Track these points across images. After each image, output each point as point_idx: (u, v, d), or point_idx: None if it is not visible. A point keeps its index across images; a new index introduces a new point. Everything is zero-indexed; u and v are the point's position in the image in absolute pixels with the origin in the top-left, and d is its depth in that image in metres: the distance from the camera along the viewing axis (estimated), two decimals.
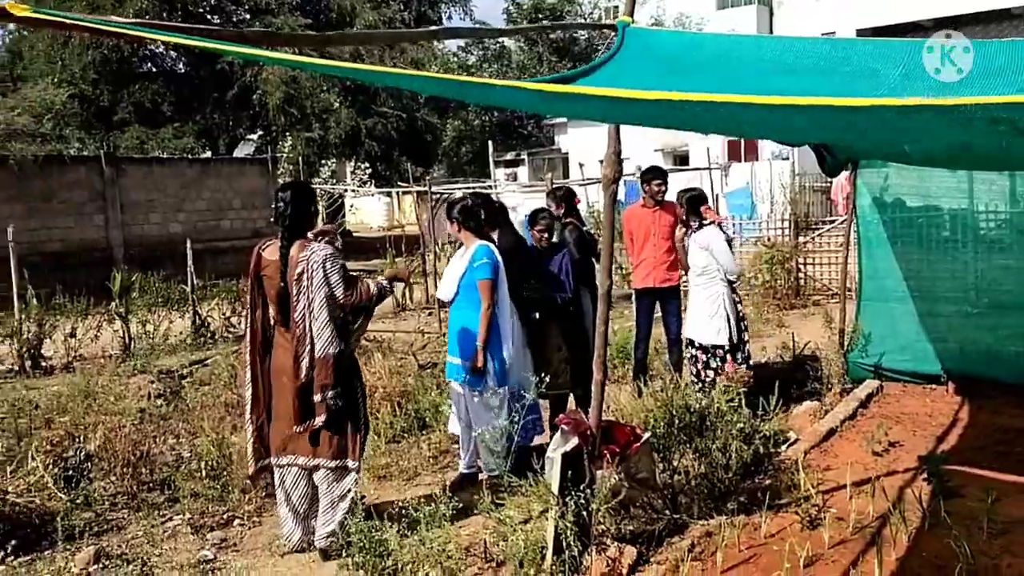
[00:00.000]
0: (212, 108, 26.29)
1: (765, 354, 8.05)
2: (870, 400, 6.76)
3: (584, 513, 3.55)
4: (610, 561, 3.64)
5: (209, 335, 11.73)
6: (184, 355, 10.59)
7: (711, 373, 6.19)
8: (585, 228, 6.61)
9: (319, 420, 4.41)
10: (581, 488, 3.55)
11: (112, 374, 8.43)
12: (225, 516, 4.96)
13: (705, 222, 6.26)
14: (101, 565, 4.29)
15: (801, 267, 13.83)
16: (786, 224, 14.86)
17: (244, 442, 4.65)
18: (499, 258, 5.21)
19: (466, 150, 37.35)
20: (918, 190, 7.33)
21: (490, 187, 23.10)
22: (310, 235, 4.46)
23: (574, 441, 3.65)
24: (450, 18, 32.80)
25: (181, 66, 27.44)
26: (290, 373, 4.40)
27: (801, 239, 14.71)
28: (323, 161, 23.85)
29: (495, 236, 5.67)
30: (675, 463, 4.27)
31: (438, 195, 23.89)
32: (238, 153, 27.46)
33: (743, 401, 5.11)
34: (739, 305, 6.36)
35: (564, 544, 3.44)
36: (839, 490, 4.79)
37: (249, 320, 4.57)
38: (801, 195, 22.36)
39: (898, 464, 5.32)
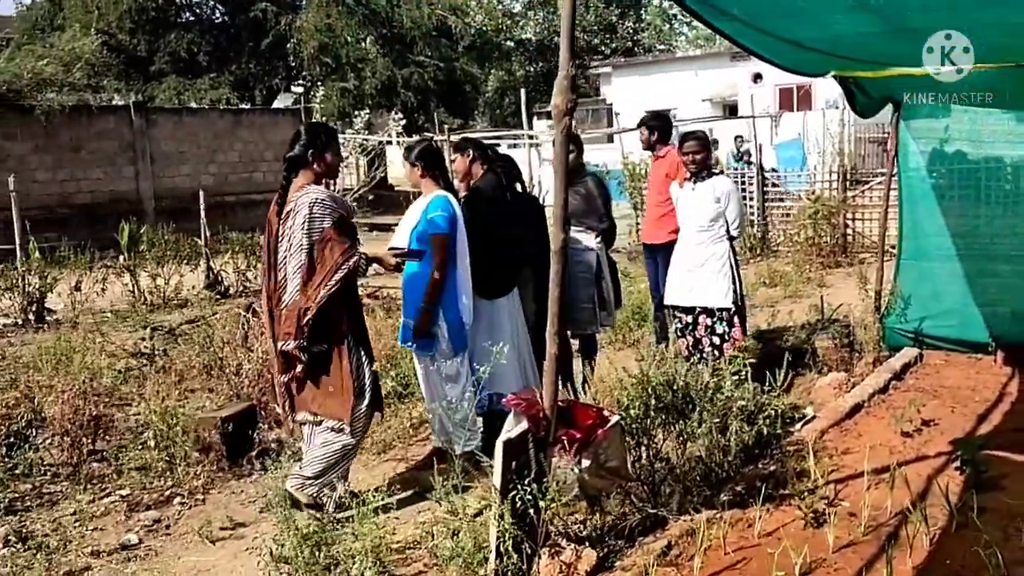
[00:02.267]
0: (248, 58, 25.87)
1: (790, 318, 7.35)
2: (906, 371, 6.05)
3: (532, 511, 2.99)
4: (564, 567, 3.09)
5: (223, 290, 11.42)
6: (194, 310, 10.29)
7: (716, 340, 5.54)
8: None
9: (298, 370, 4.12)
10: (528, 482, 2.99)
11: (94, 330, 8.08)
12: (167, 492, 4.53)
13: (716, 171, 5.56)
14: (7, 550, 3.89)
15: (849, 223, 12.97)
16: (834, 177, 13.95)
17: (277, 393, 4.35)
18: (458, 210, 4.67)
19: (509, 101, 36.46)
20: (970, 136, 6.51)
21: (531, 138, 22.40)
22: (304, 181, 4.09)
23: (523, 426, 3.08)
24: None
25: (217, 15, 27.07)
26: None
27: (850, 193, 13.82)
28: (356, 112, 23.23)
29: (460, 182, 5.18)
30: (656, 448, 3.67)
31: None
32: (278, 105, 27.09)
33: (750, 374, 4.47)
34: (739, 266, 5.67)
35: (503, 549, 2.89)
36: (856, 478, 4.15)
37: (263, 268, 4.32)
38: (856, 146, 21.24)
39: (930, 447, 4.65)
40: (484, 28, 34.15)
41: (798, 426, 4.84)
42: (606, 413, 3.35)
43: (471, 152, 5.28)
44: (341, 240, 4.03)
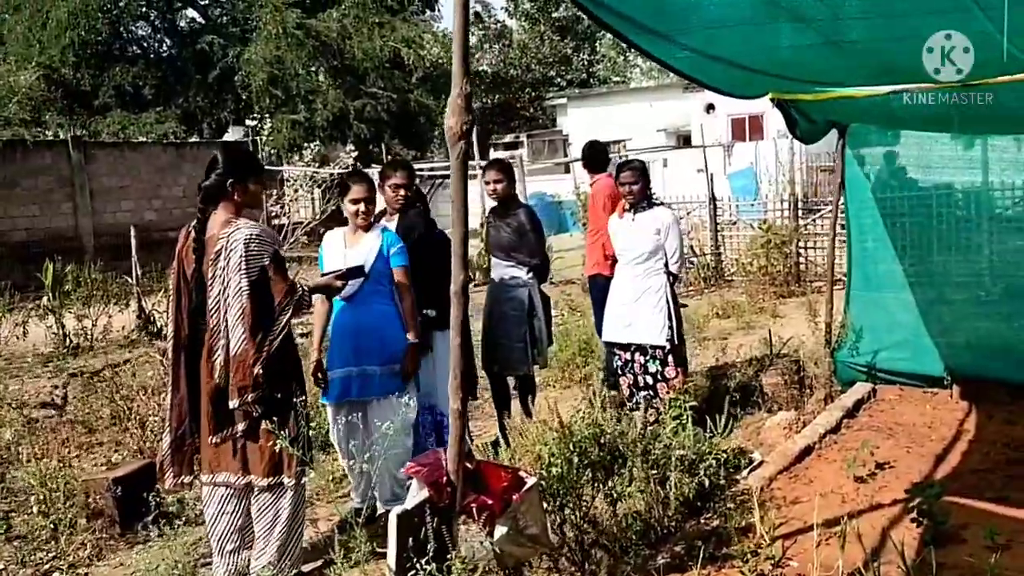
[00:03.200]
0: (195, 91, 25.41)
1: (739, 353, 7.06)
2: (859, 408, 5.76)
3: None
4: None
5: (156, 330, 10.87)
6: (122, 353, 9.74)
7: (649, 379, 5.20)
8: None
9: (239, 428, 3.63)
10: (428, 559, 2.60)
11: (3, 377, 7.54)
12: (46, 567, 4.04)
13: (656, 201, 5.26)
14: None
15: (802, 251, 12.82)
16: (786, 205, 13.83)
17: (161, 453, 3.81)
18: None
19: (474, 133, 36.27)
20: (919, 161, 6.32)
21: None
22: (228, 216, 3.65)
23: (423, 494, 2.69)
24: None
25: (164, 48, 26.59)
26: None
27: (802, 221, 13.70)
28: (307, 144, 22.84)
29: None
30: (584, 509, 3.30)
31: (433, 177, 23.02)
32: (229, 138, 26.59)
33: (689, 418, 4.14)
34: (678, 302, 5.35)
35: None
36: (806, 532, 3.82)
37: (172, 310, 3.80)
38: (808, 174, 21.28)
39: (884, 494, 4.33)
40: (440, 60, 34.05)
41: (744, 473, 4.51)
42: (522, 474, 2.97)
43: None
44: (282, 278, 3.63)
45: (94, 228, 18.67)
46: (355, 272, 4.03)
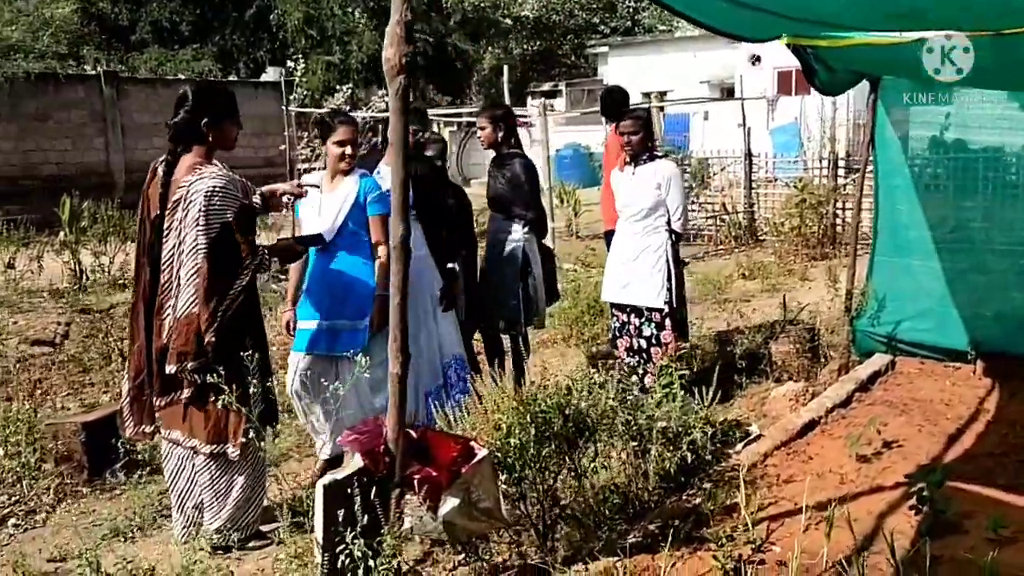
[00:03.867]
0: (232, 29, 25.18)
1: (753, 317, 6.74)
2: (875, 381, 5.44)
3: (362, 571, 2.40)
4: None
5: None
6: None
7: (643, 343, 4.93)
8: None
9: (184, 394, 3.43)
10: (358, 534, 2.40)
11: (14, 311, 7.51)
12: (4, 512, 3.94)
13: (658, 154, 4.93)
14: None
15: (839, 212, 12.32)
16: (825, 164, 13.28)
17: (120, 401, 3.67)
18: None
19: (507, 79, 35.60)
20: (963, 120, 5.86)
21: (524, 117, 21.70)
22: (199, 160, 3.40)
23: (356, 463, 2.49)
24: None
25: None
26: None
27: (843, 181, 13.17)
28: (339, 87, 22.52)
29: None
30: (548, 484, 3.07)
31: (471, 124, 22.59)
32: (267, 79, 26.36)
33: (678, 388, 3.87)
34: (680, 263, 5.03)
35: None
36: (795, 515, 3.56)
37: (135, 254, 3.59)
38: (855, 132, 20.48)
39: (887, 475, 4.04)
40: (480, 4, 33.32)
41: (739, 447, 4.24)
42: (473, 445, 2.75)
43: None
44: (244, 237, 3.35)
45: (126, 164, 18.68)
46: (313, 239, 3.79)
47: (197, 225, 3.26)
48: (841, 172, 13.40)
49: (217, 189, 3.28)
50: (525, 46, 36.08)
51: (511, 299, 4.96)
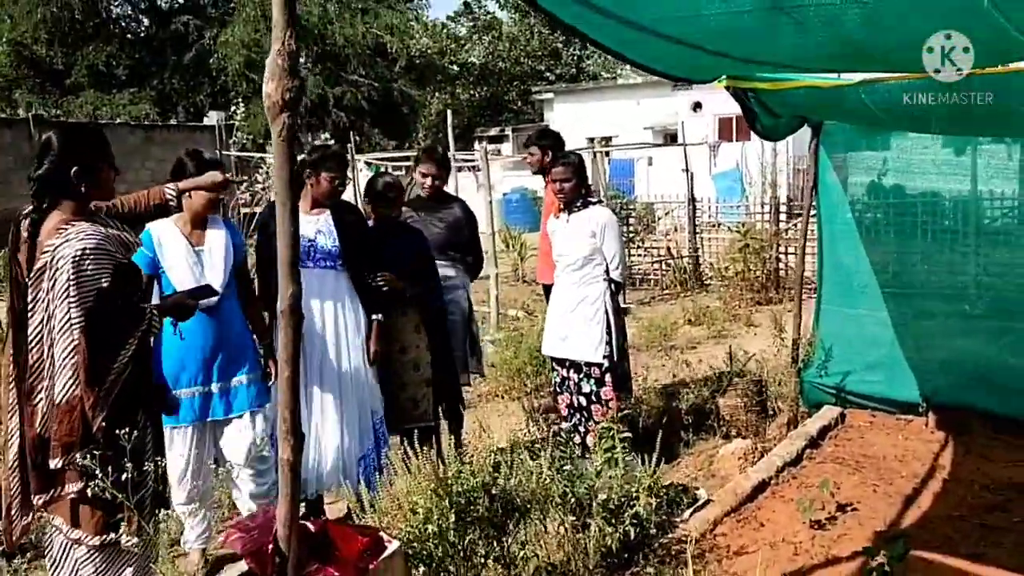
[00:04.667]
0: (170, 73, 24.73)
1: (701, 368, 6.50)
2: (825, 435, 5.21)
3: None
4: None
5: None
6: None
7: (582, 400, 4.64)
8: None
9: (72, 489, 2.93)
10: None
11: None
12: None
13: (592, 200, 4.68)
14: None
15: (782, 257, 12.28)
16: (766, 208, 13.30)
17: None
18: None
19: (454, 125, 35.65)
20: (902, 166, 5.76)
21: (471, 161, 21.56)
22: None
23: (240, 568, 2.12)
24: None
25: (139, 27, 25.89)
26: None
27: (784, 225, 13.18)
28: None
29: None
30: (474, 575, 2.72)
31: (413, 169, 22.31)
32: (208, 123, 25.90)
33: (620, 452, 3.57)
34: (621, 314, 4.77)
35: None
36: None
37: (10, 317, 3.01)
38: (795, 177, 20.73)
39: (844, 544, 3.78)
40: (427, 50, 33.39)
41: (686, 515, 3.94)
42: (383, 536, 2.39)
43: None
44: (126, 301, 2.89)
45: None
46: (205, 291, 3.42)
47: (68, 296, 2.78)
48: (783, 217, 13.44)
49: (87, 251, 2.81)
50: (472, 92, 36.25)
51: (457, 350, 4.69)
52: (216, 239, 3.84)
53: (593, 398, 4.57)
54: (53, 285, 2.78)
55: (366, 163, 27.22)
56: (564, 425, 4.77)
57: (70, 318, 2.78)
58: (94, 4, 24.64)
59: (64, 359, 2.79)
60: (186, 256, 3.71)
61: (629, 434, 3.72)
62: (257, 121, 23.55)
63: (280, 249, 2.00)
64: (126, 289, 2.92)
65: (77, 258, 2.78)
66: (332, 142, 23.06)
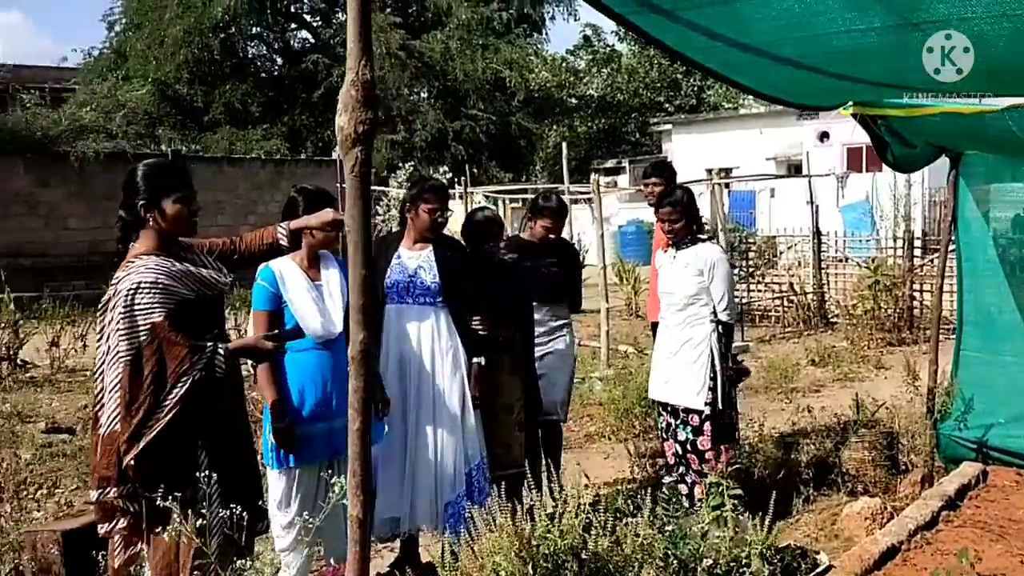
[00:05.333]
0: (300, 110, 25.74)
1: (825, 414, 6.06)
2: (963, 495, 4.71)
3: None
4: None
5: None
6: None
7: (678, 448, 4.35)
8: None
9: (119, 524, 2.94)
10: None
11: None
12: None
13: (702, 236, 4.42)
14: None
15: (916, 294, 11.52)
16: (899, 243, 12.54)
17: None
18: None
19: (570, 157, 35.70)
20: None
21: (586, 193, 21.46)
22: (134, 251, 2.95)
23: None
24: (553, 18, 31.26)
25: (271, 66, 27.14)
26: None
27: (919, 261, 12.41)
28: (402, 164, 22.68)
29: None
30: None
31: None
32: (334, 156, 26.86)
33: (728, 512, 3.29)
34: (729, 359, 4.44)
35: None
36: None
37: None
38: (931, 210, 19.61)
39: None
40: (546, 84, 33.65)
41: None
42: None
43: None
44: (177, 339, 2.83)
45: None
46: (294, 334, 3.36)
47: (118, 329, 2.80)
48: (917, 252, 12.67)
49: (144, 285, 2.81)
50: (590, 124, 36.22)
51: (564, 388, 4.75)
52: (332, 276, 3.80)
53: (688, 447, 4.29)
54: (112, 318, 2.80)
55: (484, 196, 27.61)
56: (669, 477, 4.51)
57: (118, 351, 2.80)
58: (232, 46, 26.01)
59: (111, 391, 2.80)
60: (308, 290, 3.68)
61: (740, 491, 3.43)
62: (379, 155, 24.19)
63: (352, 293, 1.88)
64: (190, 325, 2.89)
65: (131, 291, 2.80)
66: (450, 175, 23.47)
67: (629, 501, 3.55)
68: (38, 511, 4.83)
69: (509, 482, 4.08)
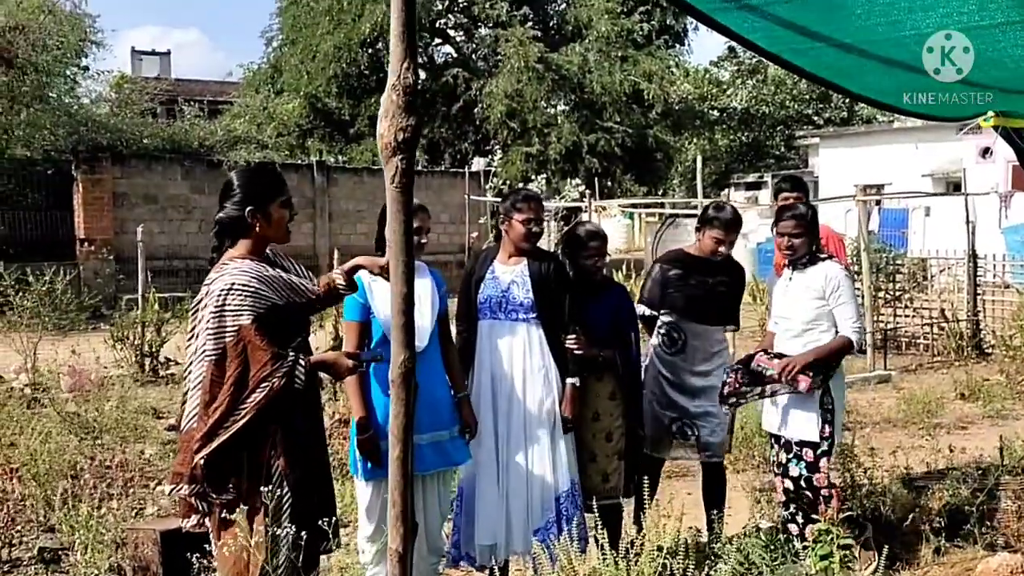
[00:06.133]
0: (440, 122, 26.28)
1: (959, 456, 5.51)
2: None
3: None
4: None
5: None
6: None
7: (789, 484, 4.00)
8: None
9: (185, 524, 3.01)
10: None
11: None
12: None
13: (822, 255, 4.06)
14: None
15: None
16: None
17: None
18: None
19: (709, 171, 34.81)
20: None
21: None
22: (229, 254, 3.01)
23: None
24: (696, 29, 30.59)
25: (417, 80, 27.84)
26: None
27: None
28: (535, 176, 22.75)
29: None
30: None
31: (675, 215, 21.94)
32: (473, 169, 27.32)
33: (837, 559, 2.98)
34: (845, 389, 4.07)
35: None
36: None
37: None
38: None
39: None
40: (687, 96, 33.01)
41: None
42: None
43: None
44: (263, 345, 2.81)
45: (330, 248, 19.64)
46: (373, 355, 3.29)
47: (207, 329, 2.83)
48: None
49: (236, 286, 2.83)
50: (732, 137, 35.27)
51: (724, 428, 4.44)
52: (423, 287, 3.73)
53: (803, 484, 3.96)
54: (202, 317, 2.84)
55: (620, 209, 27.27)
56: (780, 513, 4.18)
57: (205, 349, 2.83)
58: (379, 61, 26.87)
59: (194, 388, 2.86)
60: (386, 296, 3.66)
61: (851, 540, 3.10)
62: (514, 167, 24.39)
63: (393, 312, 1.78)
64: (277, 331, 2.87)
65: (224, 292, 2.83)
66: (583, 188, 23.31)
67: (732, 543, 3.30)
68: (152, 506, 5.00)
69: (604, 514, 3.91)
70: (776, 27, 1.95)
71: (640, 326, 4.38)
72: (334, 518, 3.10)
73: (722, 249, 4.33)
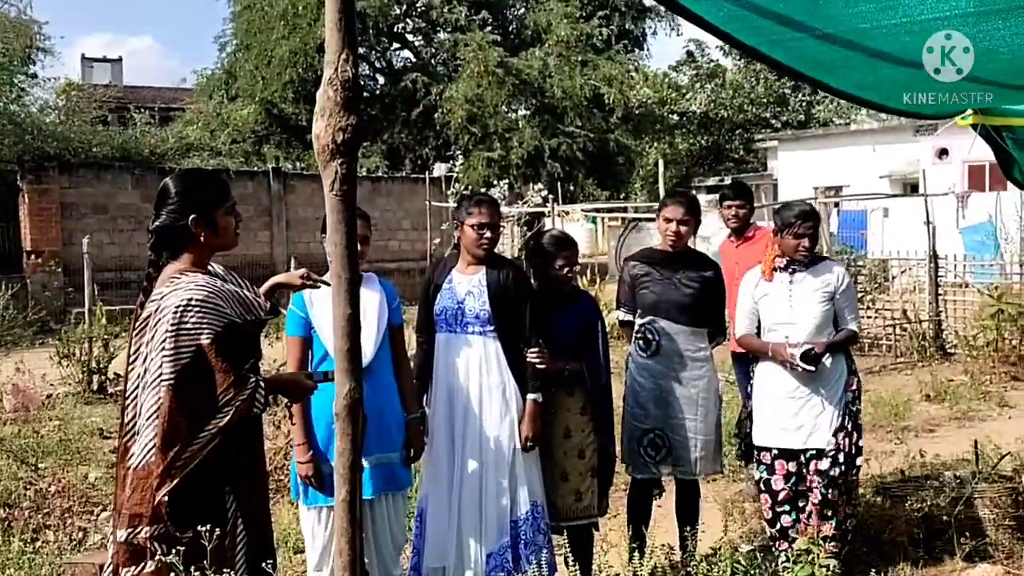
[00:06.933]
0: (400, 128, 26.01)
1: (934, 462, 5.42)
2: None
3: None
4: None
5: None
6: None
7: (781, 495, 3.87)
8: None
9: (147, 569, 2.64)
10: None
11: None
12: None
13: (829, 257, 3.97)
14: None
15: None
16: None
17: None
18: None
19: (671, 175, 34.88)
20: None
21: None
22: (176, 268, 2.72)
23: None
24: (655, 34, 30.75)
25: (373, 85, 27.52)
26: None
27: None
28: (497, 182, 22.55)
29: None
30: None
31: (636, 220, 21.87)
32: (435, 175, 27.05)
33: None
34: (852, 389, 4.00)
35: None
36: None
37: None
38: None
39: None
40: (647, 101, 33.06)
41: None
42: None
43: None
44: (222, 367, 2.56)
45: (288, 256, 19.26)
46: (325, 377, 3.07)
47: (163, 350, 2.53)
48: None
49: (193, 303, 2.55)
50: (692, 141, 35.39)
51: (711, 433, 4.16)
52: (369, 300, 3.51)
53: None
54: (152, 337, 2.55)
55: (583, 214, 27.18)
56: (768, 531, 4.05)
57: (161, 374, 2.53)
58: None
59: (149, 418, 2.55)
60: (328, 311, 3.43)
61: (834, 560, 2.95)
62: (475, 172, 24.19)
63: (335, 336, 1.56)
64: (233, 351, 2.62)
65: (180, 309, 2.53)
66: (545, 193, 23.19)
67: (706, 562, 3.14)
68: (96, 534, 4.71)
69: (576, 534, 3.70)
70: (755, 16, 1.80)
71: (620, 333, 4.21)
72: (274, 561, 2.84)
73: (677, 229, 4.07)
